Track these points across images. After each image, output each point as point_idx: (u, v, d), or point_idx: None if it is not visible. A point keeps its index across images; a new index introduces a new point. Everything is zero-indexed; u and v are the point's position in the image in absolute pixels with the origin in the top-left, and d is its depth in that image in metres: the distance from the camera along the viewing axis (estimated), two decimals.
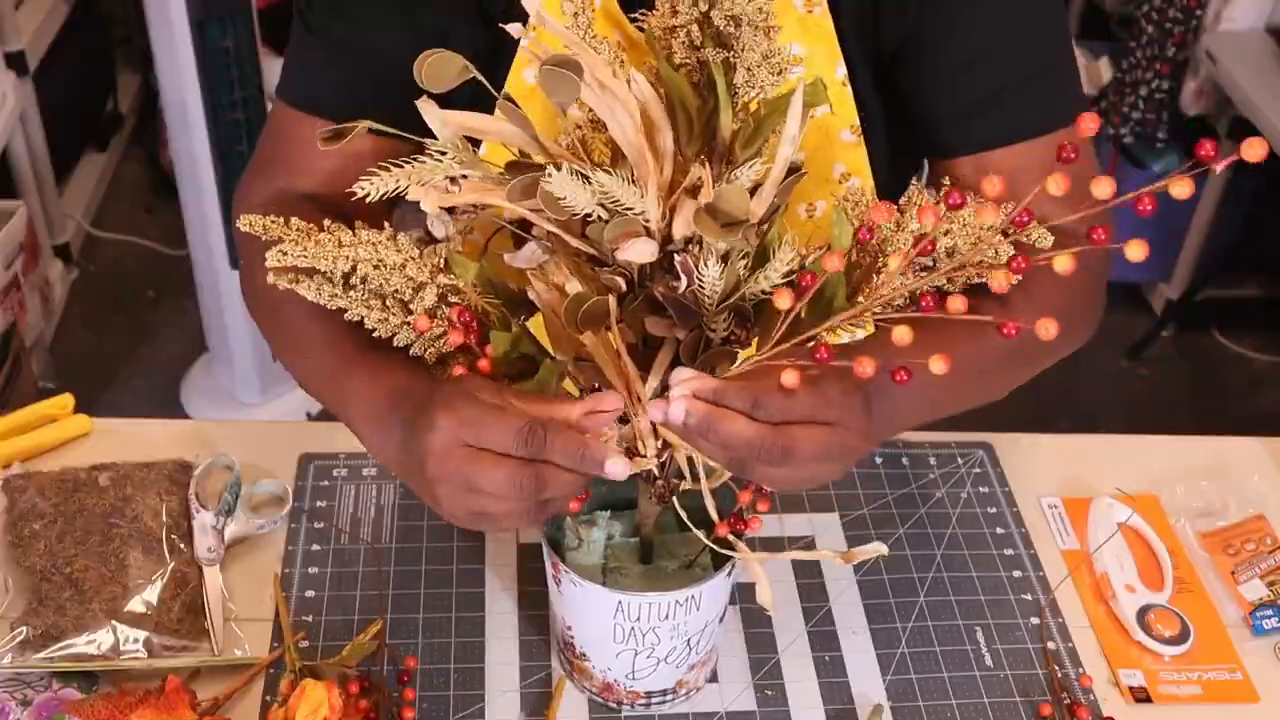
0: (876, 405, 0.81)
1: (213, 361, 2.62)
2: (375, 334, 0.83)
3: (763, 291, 0.78)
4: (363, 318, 0.83)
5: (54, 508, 1.05)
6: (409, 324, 0.82)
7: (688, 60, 0.78)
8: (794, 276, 0.77)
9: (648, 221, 0.75)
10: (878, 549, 0.85)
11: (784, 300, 0.72)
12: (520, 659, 1.01)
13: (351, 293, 0.81)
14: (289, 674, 0.95)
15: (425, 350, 0.83)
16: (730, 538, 0.86)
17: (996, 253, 0.80)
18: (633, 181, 0.75)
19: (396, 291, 0.81)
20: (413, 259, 0.80)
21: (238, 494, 1.10)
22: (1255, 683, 1.04)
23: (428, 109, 0.77)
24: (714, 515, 0.86)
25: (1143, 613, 1.07)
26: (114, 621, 0.98)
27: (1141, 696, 1.02)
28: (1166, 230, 2.85)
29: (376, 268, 0.80)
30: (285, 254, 0.79)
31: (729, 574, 0.92)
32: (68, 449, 1.16)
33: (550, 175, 0.72)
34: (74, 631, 0.97)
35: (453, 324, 0.81)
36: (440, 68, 0.75)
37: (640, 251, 0.75)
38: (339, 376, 0.88)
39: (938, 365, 0.69)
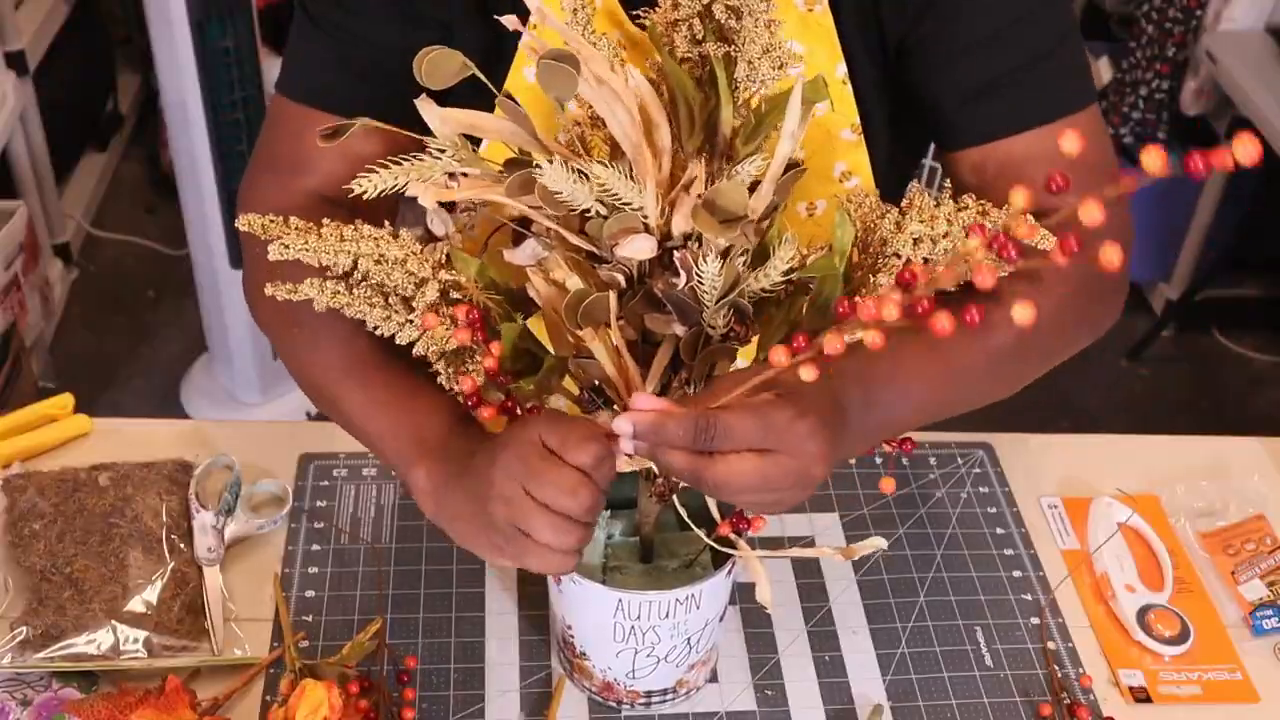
0: (857, 417, 0.80)
1: (213, 361, 2.62)
2: (378, 331, 0.83)
3: (763, 289, 0.78)
4: (366, 319, 0.83)
5: (54, 508, 1.05)
6: (411, 321, 0.82)
7: (690, 55, 0.78)
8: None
9: (646, 218, 0.75)
10: (877, 544, 0.85)
11: (892, 309, 0.64)
12: (520, 659, 1.01)
13: (354, 291, 0.81)
14: (289, 674, 0.95)
15: (428, 348, 0.83)
16: (731, 536, 0.86)
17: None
18: (631, 177, 0.75)
19: (398, 288, 0.81)
20: (414, 254, 0.81)
21: (238, 494, 1.10)
22: (1255, 683, 1.04)
23: (426, 107, 0.77)
24: (715, 514, 0.86)
25: (1143, 613, 1.07)
26: (114, 621, 0.98)
27: (1141, 696, 1.02)
28: (1166, 230, 2.85)
29: (378, 263, 0.80)
30: (287, 247, 0.79)
31: (729, 573, 0.92)
32: (68, 449, 1.16)
33: (542, 168, 0.72)
34: (74, 631, 0.97)
35: (457, 322, 0.81)
36: (439, 65, 0.75)
37: (639, 248, 0.75)
38: (360, 420, 0.92)
39: (1021, 313, 0.60)
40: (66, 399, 1.18)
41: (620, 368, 0.79)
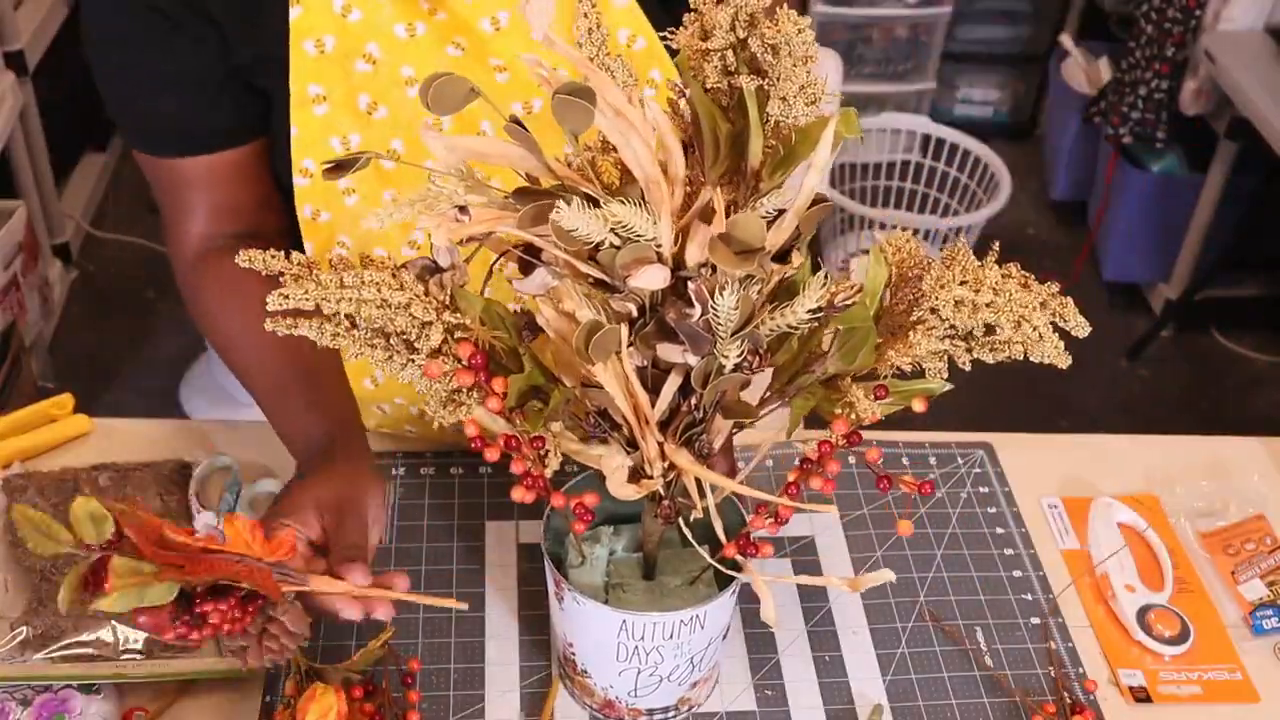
0: None
1: (212, 361, 2.61)
2: (378, 373, 0.84)
3: (789, 325, 0.77)
4: (369, 360, 0.82)
5: (54, 508, 1.05)
6: (414, 361, 0.81)
7: (719, 84, 0.77)
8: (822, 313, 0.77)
9: (660, 247, 0.74)
10: (885, 576, 0.84)
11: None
12: (520, 659, 1.01)
13: (355, 332, 0.80)
14: (294, 675, 0.95)
15: (430, 389, 0.83)
16: (738, 558, 0.85)
17: (1040, 335, 0.78)
18: (644, 205, 0.74)
19: (402, 331, 0.80)
20: (418, 297, 0.79)
21: (238, 494, 1.10)
22: (1255, 683, 1.04)
23: (431, 136, 0.76)
24: (721, 536, 0.84)
25: (1143, 613, 1.07)
26: (114, 622, 0.98)
27: (1141, 696, 1.02)
28: (1166, 230, 2.85)
29: (380, 307, 0.79)
30: (287, 297, 0.77)
31: (733, 593, 0.91)
32: (68, 449, 1.16)
33: (560, 210, 0.71)
34: (74, 631, 0.97)
35: (460, 363, 0.80)
36: (446, 90, 0.73)
37: (652, 278, 0.73)
38: (272, 418, 1.04)
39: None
40: (66, 399, 1.18)
41: (629, 394, 0.78)
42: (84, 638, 0.97)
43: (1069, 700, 1.00)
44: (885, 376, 0.82)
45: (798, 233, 0.77)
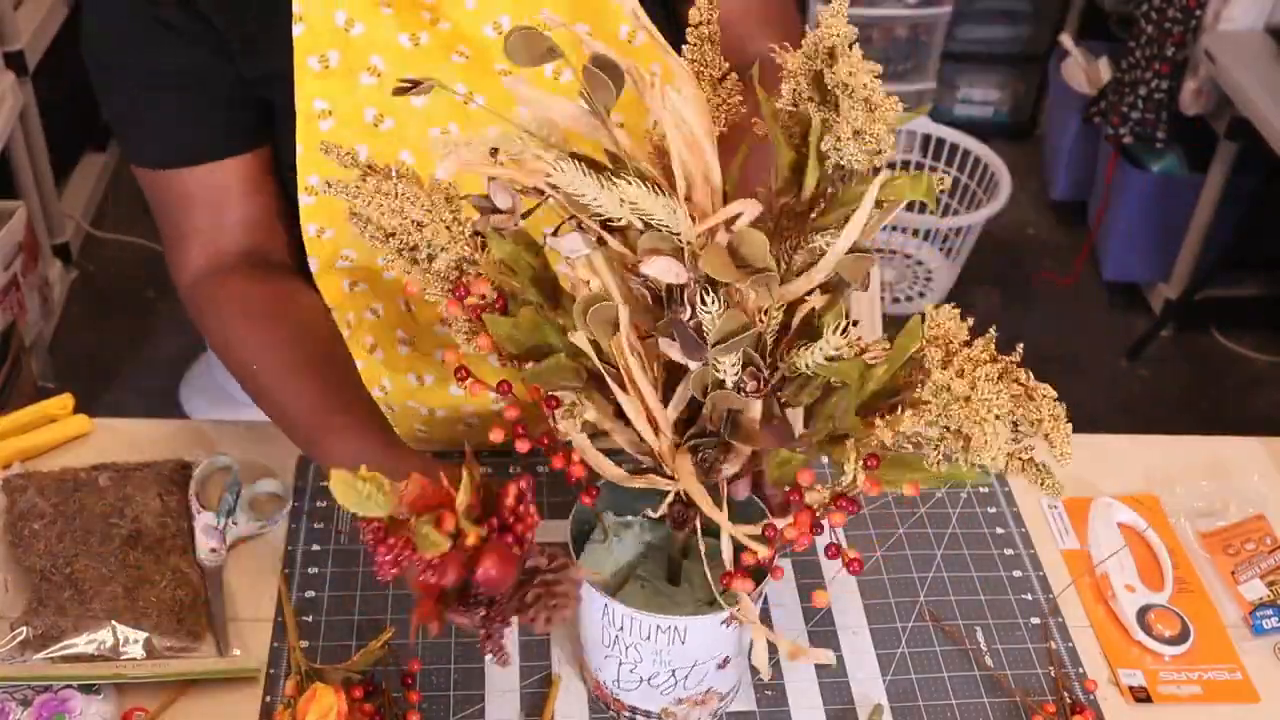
0: None
1: (212, 361, 2.61)
2: (389, 274, 0.84)
3: (805, 366, 0.76)
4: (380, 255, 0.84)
5: (54, 508, 1.05)
6: (419, 267, 0.83)
7: (789, 105, 0.76)
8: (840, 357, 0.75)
9: (683, 243, 0.74)
10: (825, 655, 0.87)
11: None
12: (520, 659, 1.01)
13: (369, 227, 0.82)
14: (295, 675, 0.95)
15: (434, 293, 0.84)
16: (735, 592, 0.84)
17: (986, 440, 0.75)
18: (672, 194, 0.73)
19: (412, 245, 0.81)
20: (439, 219, 0.80)
21: (238, 494, 1.10)
22: (1255, 683, 1.04)
23: (516, 87, 0.76)
24: (727, 562, 0.83)
25: (1143, 612, 1.07)
26: (114, 621, 0.98)
27: (1141, 696, 1.02)
28: (1166, 230, 2.85)
29: (392, 214, 0.80)
30: (329, 185, 0.80)
31: (724, 623, 0.89)
32: (68, 449, 1.16)
33: (560, 169, 0.71)
34: (74, 632, 0.97)
35: (453, 290, 0.81)
36: (525, 43, 0.73)
37: (661, 269, 0.73)
38: (312, 445, 0.98)
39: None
40: (66, 399, 1.18)
41: (631, 383, 0.78)
42: (84, 638, 0.97)
43: (1069, 700, 1.00)
44: (876, 445, 0.77)
45: (837, 277, 0.76)
